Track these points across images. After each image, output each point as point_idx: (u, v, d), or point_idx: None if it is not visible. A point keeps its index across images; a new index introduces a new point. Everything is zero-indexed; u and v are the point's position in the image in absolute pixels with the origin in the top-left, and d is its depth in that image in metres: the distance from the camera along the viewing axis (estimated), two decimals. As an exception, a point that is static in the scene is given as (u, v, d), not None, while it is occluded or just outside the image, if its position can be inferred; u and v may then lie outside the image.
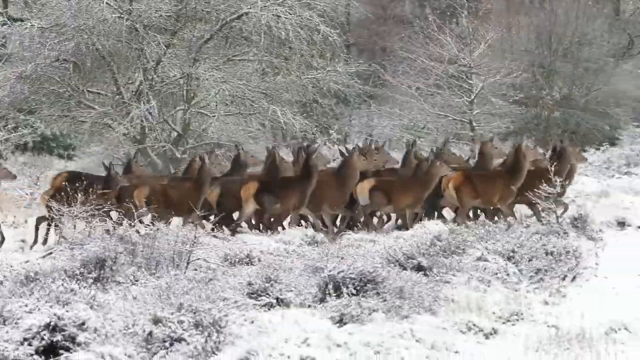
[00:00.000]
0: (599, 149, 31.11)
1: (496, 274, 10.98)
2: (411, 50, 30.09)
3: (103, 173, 16.21)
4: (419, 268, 10.83)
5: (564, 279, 11.23)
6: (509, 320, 9.40)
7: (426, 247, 11.75)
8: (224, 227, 15.90)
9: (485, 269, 11.08)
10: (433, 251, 11.66)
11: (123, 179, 16.09)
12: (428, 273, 10.78)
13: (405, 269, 10.69)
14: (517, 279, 10.91)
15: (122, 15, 23.19)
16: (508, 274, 10.97)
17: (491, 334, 8.95)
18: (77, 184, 14.43)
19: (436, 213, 17.32)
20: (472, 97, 26.73)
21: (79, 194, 13.89)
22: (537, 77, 31.57)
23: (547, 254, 11.68)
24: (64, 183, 15.87)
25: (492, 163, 17.60)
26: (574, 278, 11.37)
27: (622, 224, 16.23)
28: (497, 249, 11.79)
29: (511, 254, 11.60)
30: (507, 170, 17.00)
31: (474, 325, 9.00)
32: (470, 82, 26.70)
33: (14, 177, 16.52)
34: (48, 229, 15.55)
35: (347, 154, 16.92)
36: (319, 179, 16.47)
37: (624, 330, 9.07)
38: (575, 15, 33.60)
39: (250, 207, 16.33)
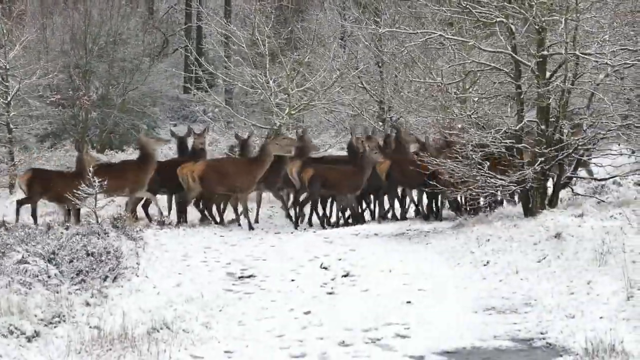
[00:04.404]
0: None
1: (37, 276, 10.95)
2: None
3: None
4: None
5: (105, 279, 11.39)
6: (51, 323, 9.46)
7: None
8: None
9: (26, 271, 11.02)
10: (-29, 256, 11.40)
11: None
12: (-32, 279, 10.56)
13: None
14: (59, 281, 10.96)
15: None
16: (49, 276, 11.00)
17: (33, 337, 8.97)
18: None
19: None
20: (9, 99, 26.11)
21: None
22: (73, 78, 31.58)
23: (88, 254, 11.85)
24: None
25: None
26: (115, 278, 11.56)
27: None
28: (38, 251, 11.77)
29: (52, 255, 11.63)
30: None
31: (16, 328, 8.98)
32: (7, 84, 26.05)
33: None
34: None
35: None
36: None
37: (165, 329, 9.47)
38: (110, 14, 34.13)
39: None
